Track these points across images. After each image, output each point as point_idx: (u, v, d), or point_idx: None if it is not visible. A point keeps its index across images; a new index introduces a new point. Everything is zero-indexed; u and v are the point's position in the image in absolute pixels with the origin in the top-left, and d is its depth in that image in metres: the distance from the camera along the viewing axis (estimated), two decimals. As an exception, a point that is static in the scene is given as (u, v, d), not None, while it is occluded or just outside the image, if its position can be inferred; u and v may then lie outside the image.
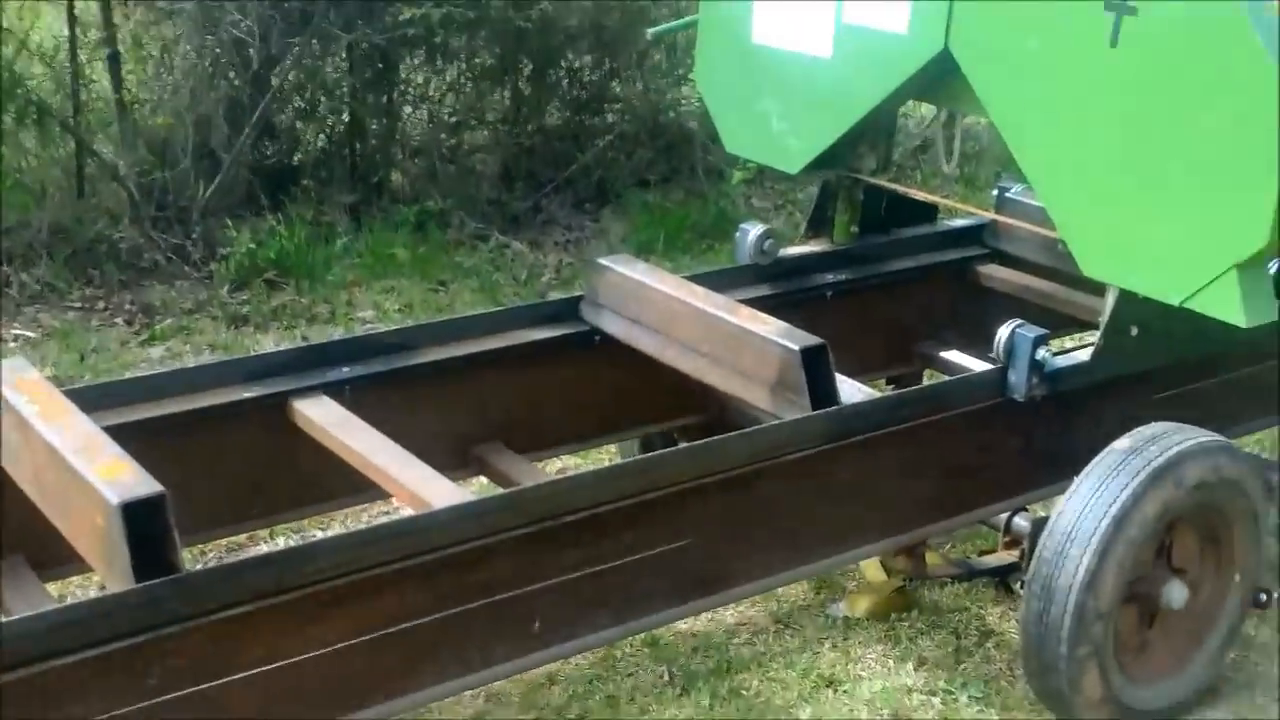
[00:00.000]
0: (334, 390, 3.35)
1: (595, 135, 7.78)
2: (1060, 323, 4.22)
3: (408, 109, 7.38)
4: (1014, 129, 3.55)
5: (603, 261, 3.79)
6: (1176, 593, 3.51)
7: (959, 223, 4.52)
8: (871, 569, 4.07)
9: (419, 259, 6.48)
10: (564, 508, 2.86)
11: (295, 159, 7.01)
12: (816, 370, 3.23)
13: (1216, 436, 3.51)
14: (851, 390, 3.38)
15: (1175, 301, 3.32)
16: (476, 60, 7.47)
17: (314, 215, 6.50)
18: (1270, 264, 3.66)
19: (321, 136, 7.19)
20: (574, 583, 2.92)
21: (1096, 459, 3.40)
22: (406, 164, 7.24)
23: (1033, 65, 3.44)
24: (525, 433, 3.75)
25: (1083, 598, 3.28)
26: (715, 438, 3.10)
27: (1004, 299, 4.30)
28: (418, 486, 2.98)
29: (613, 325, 3.71)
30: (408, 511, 3.13)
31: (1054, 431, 3.64)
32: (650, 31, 4.73)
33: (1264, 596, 3.71)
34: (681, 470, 3.00)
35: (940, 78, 3.68)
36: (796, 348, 3.24)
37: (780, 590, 4.00)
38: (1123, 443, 3.42)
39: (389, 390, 3.46)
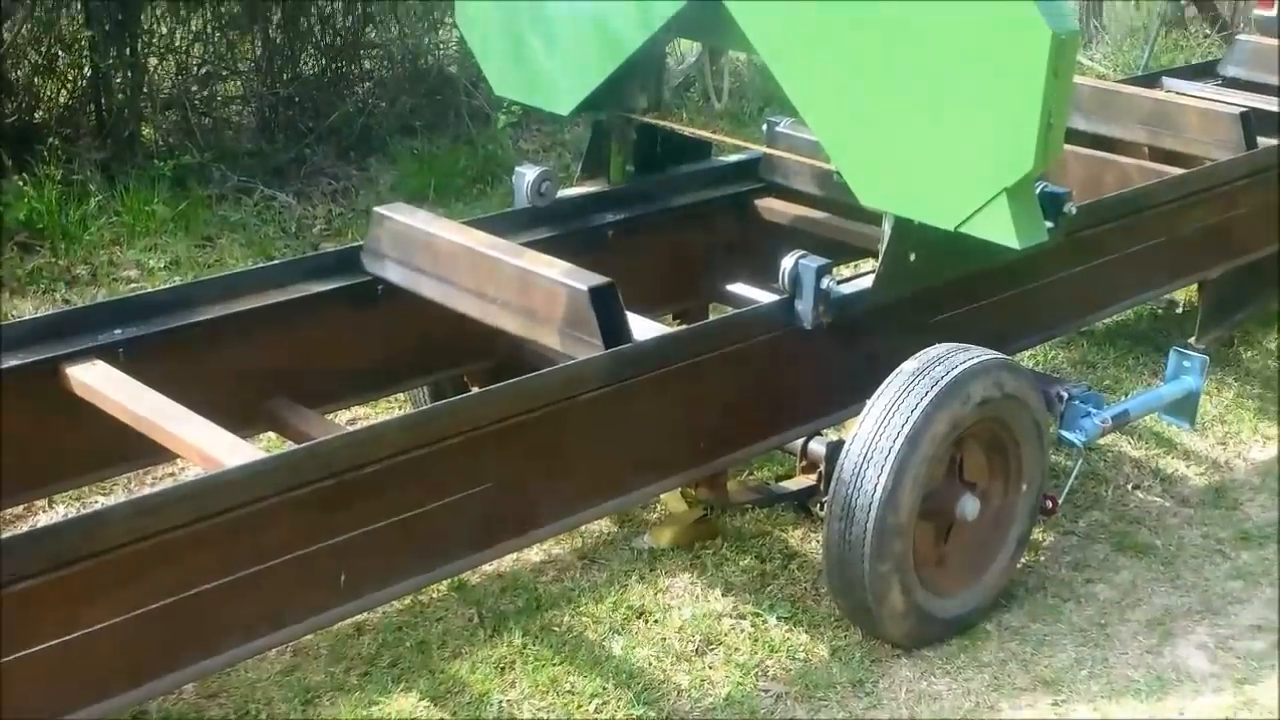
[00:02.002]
0: (107, 353, 3.21)
1: (354, 83, 7.58)
2: (837, 252, 4.26)
3: (154, 61, 7.05)
4: (783, 64, 3.58)
5: (381, 211, 3.70)
6: (969, 505, 3.64)
7: (734, 158, 4.55)
8: (674, 500, 4.10)
9: (181, 215, 6.21)
10: (361, 459, 2.80)
11: (36, 116, 6.63)
12: (606, 309, 3.21)
13: (997, 354, 3.63)
14: (642, 327, 3.38)
15: (951, 227, 3.42)
16: (222, 8, 7.18)
17: (63, 174, 6.17)
18: (1038, 187, 3.81)
19: (64, 92, 6.82)
20: (376, 533, 2.87)
21: (886, 381, 3.48)
22: (158, 118, 6.93)
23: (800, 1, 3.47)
24: (314, 386, 3.65)
25: (882, 515, 3.38)
26: (509, 381, 3.06)
27: (783, 231, 4.35)
28: (207, 446, 2.88)
29: (396, 274, 3.63)
30: (197, 473, 3.01)
31: (843, 357, 3.72)
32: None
33: (1049, 503, 3.87)
34: (477, 415, 2.97)
35: (707, 14, 3.68)
36: (584, 287, 3.21)
37: (584, 527, 4.00)
38: (910, 364, 3.51)
39: (166, 350, 3.33)
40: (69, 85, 6.82)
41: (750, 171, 4.52)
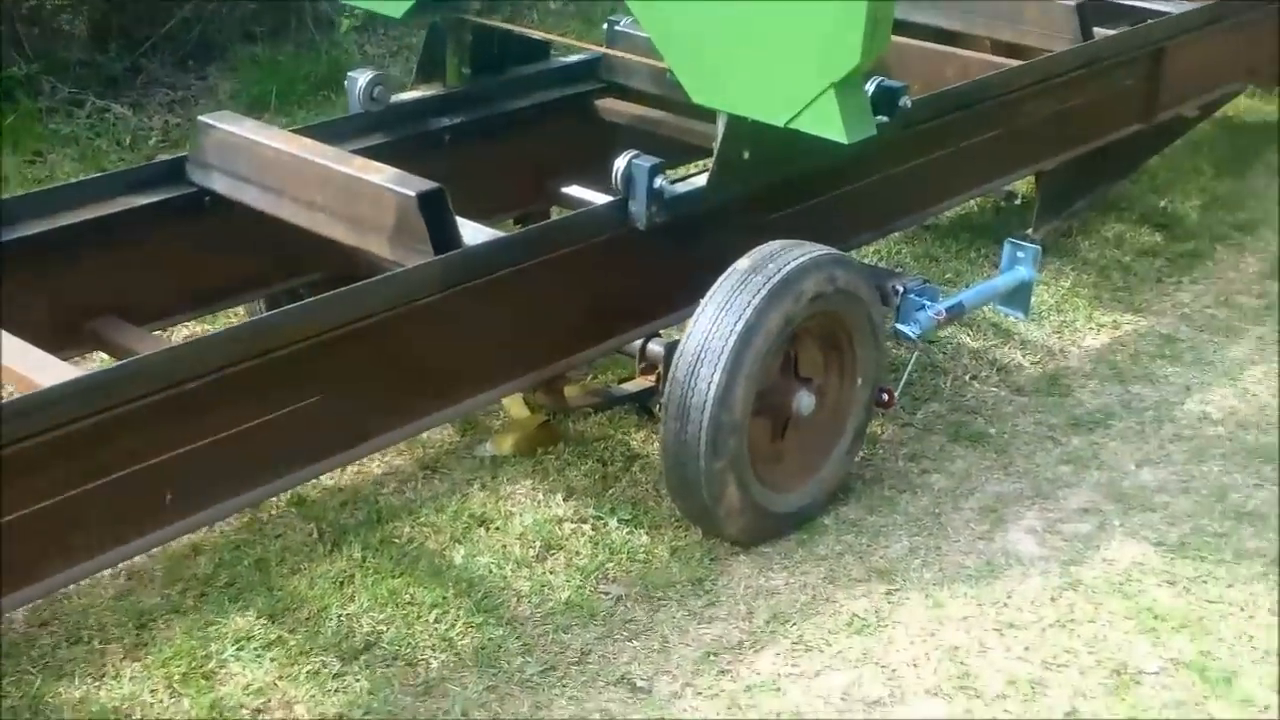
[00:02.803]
0: (-85, 275, 3.10)
1: (190, -12, 7.36)
2: (680, 151, 4.25)
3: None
4: (613, -41, 3.55)
5: (206, 119, 3.61)
6: (805, 401, 3.70)
7: (573, 58, 4.50)
8: (515, 406, 4.09)
9: (9, 129, 6.02)
10: (185, 374, 2.76)
11: None
12: (435, 215, 3.18)
13: (830, 250, 3.66)
14: (474, 233, 3.34)
15: (780, 123, 3.43)
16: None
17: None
18: (868, 83, 3.83)
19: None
20: (205, 449, 2.83)
21: (720, 280, 3.50)
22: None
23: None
24: (144, 303, 3.57)
25: (716, 413, 3.41)
26: (334, 291, 3.02)
27: (624, 131, 4.33)
28: (23, 367, 2.80)
29: (222, 185, 3.55)
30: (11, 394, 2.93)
31: (680, 257, 3.71)
32: None
33: (886, 396, 3.93)
34: (302, 327, 2.93)
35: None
36: (413, 193, 3.17)
37: (425, 436, 3.98)
38: (743, 262, 3.53)
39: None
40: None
41: (591, 72, 4.48)
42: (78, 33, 6.91)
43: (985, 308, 4.62)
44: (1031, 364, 4.84)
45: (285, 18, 7.40)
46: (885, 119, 4.00)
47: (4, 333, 2.89)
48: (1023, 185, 5.81)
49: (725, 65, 3.46)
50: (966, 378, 4.69)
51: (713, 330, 3.43)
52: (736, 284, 3.47)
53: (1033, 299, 4.52)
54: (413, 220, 3.17)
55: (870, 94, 3.97)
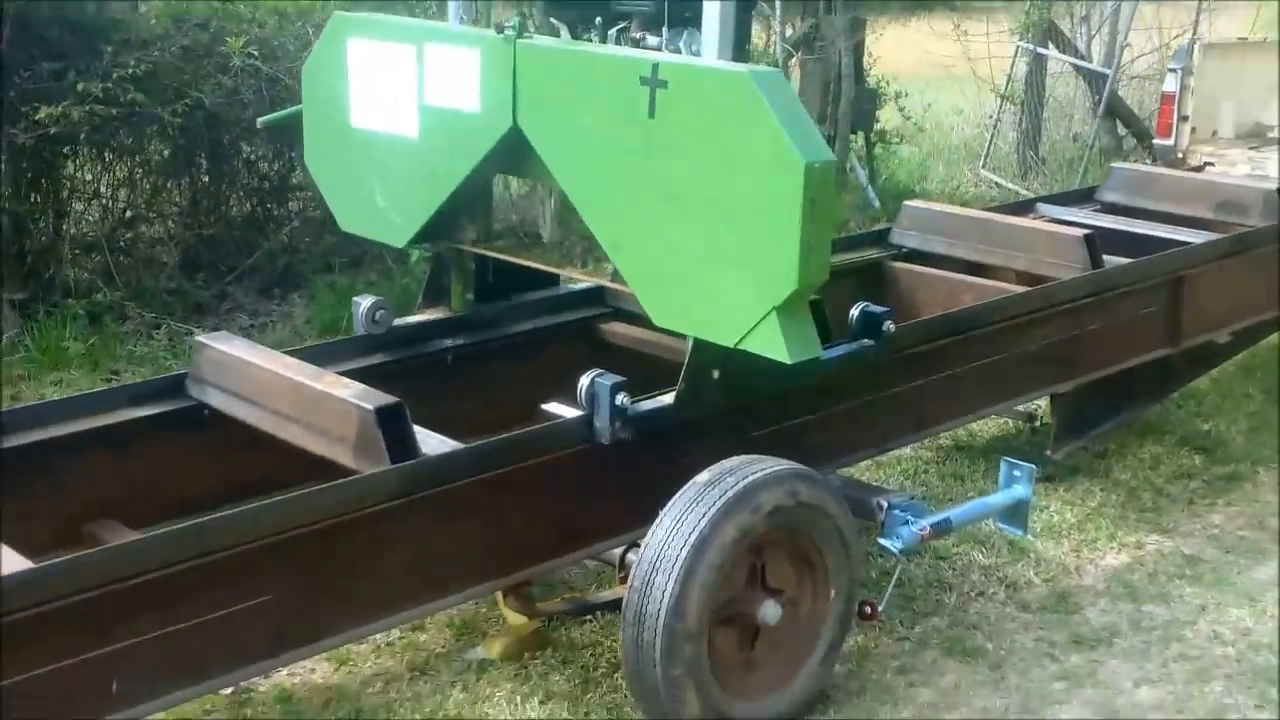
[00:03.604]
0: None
1: (279, 224, 7.85)
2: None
3: (79, 206, 7.34)
4: (580, 196, 3.82)
5: (203, 339, 3.90)
6: (770, 612, 3.76)
7: (580, 285, 4.73)
8: (511, 613, 4.21)
9: (91, 351, 6.45)
10: (135, 570, 2.94)
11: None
12: (393, 427, 3.37)
13: (794, 465, 3.77)
14: (437, 445, 3.53)
15: (731, 344, 3.60)
16: (151, 155, 7.47)
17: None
18: (858, 307, 4.02)
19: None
20: (151, 644, 2.99)
21: (680, 491, 3.63)
22: (81, 259, 7.19)
23: (590, 136, 3.72)
24: (142, 509, 3.79)
25: (670, 621, 3.50)
26: (289, 494, 3.21)
27: (625, 353, 4.51)
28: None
29: (217, 399, 3.81)
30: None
31: (653, 471, 3.84)
32: (260, 121, 4.87)
33: (869, 609, 3.97)
34: (253, 528, 3.11)
35: (515, 152, 3.92)
36: (371, 407, 3.38)
37: (420, 638, 4.13)
38: (703, 476, 3.66)
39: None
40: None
41: (597, 298, 4.71)
42: (170, 263, 7.40)
43: (991, 524, 4.66)
44: (1043, 581, 4.85)
45: (365, 250, 7.86)
46: (870, 343, 4.18)
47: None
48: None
49: (682, 290, 3.66)
50: (972, 594, 4.71)
51: (669, 540, 3.54)
52: (694, 496, 3.60)
53: (1031, 516, 4.56)
54: (371, 432, 3.37)
55: (855, 318, 4.19)
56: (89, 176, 7.39)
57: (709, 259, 3.56)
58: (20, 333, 6.45)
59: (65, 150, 7.03)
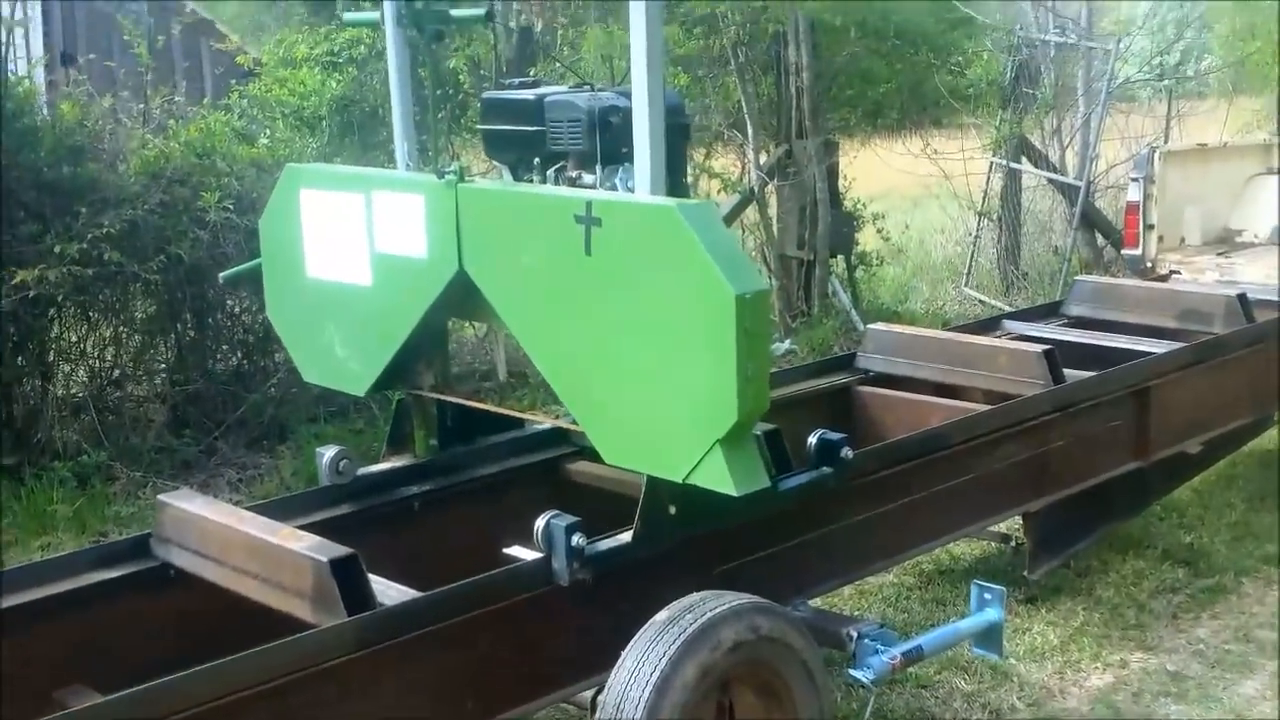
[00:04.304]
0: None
1: (266, 375, 7.94)
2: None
3: (66, 367, 7.44)
4: (527, 336, 3.89)
5: (164, 498, 3.95)
6: (741, 749, 3.75)
7: (545, 425, 4.76)
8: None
9: (78, 513, 6.50)
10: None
11: (-55, 428, 7.00)
12: (348, 578, 3.41)
13: (753, 598, 3.78)
14: (397, 594, 3.56)
15: (679, 479, 3.64)
16: (135, 313, 7.60)
17: (-39, 480, 6.49)
18: (812, 436, 4.04)
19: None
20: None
21: (640, 632, 3.64)
22: (69, 421, 7.27)
23: (532, 278, 3.80)
24: (112, 672, 3.77)
25: (636, 763, 3.48)
26: (247, 651, 3.23)
27: (590, 492, 4.55)
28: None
29: (180, 558, 3.85)
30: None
31: (616, 610, 3.85)
32: (222, 276, 4.96)
33: (840, 740, 3.97)
34: (210, 688, 3.13)
35: (463, 296, 4.00)
36: (325, 559, 3.42)
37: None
38: (662, 615, 3.67)
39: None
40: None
41: (561, 437, 4.75)
42: (156, 420, 7.47)
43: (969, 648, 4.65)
44: (1026, 706, 4.83)
45: (349, 398, 7.92)
46: (828, 470, 4.21)
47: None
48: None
49: (629, 426, 3.71)
50: (952, 721, 4.70)
51: (630, 682, 3.54)
52: (654, 635, 3.61)
53: (1014, 638, 4.57)
54: (326, 585, 3.41)
55: (813, 446, 4.22)
56: (74, 337, 7.50)
57: (651, 394, 3.61)
58: (8, 497, 6.50)
59: (49, 313, 7.14)
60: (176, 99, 8.84)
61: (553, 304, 3.75)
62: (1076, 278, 7.33)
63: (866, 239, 11.31)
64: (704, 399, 3.49)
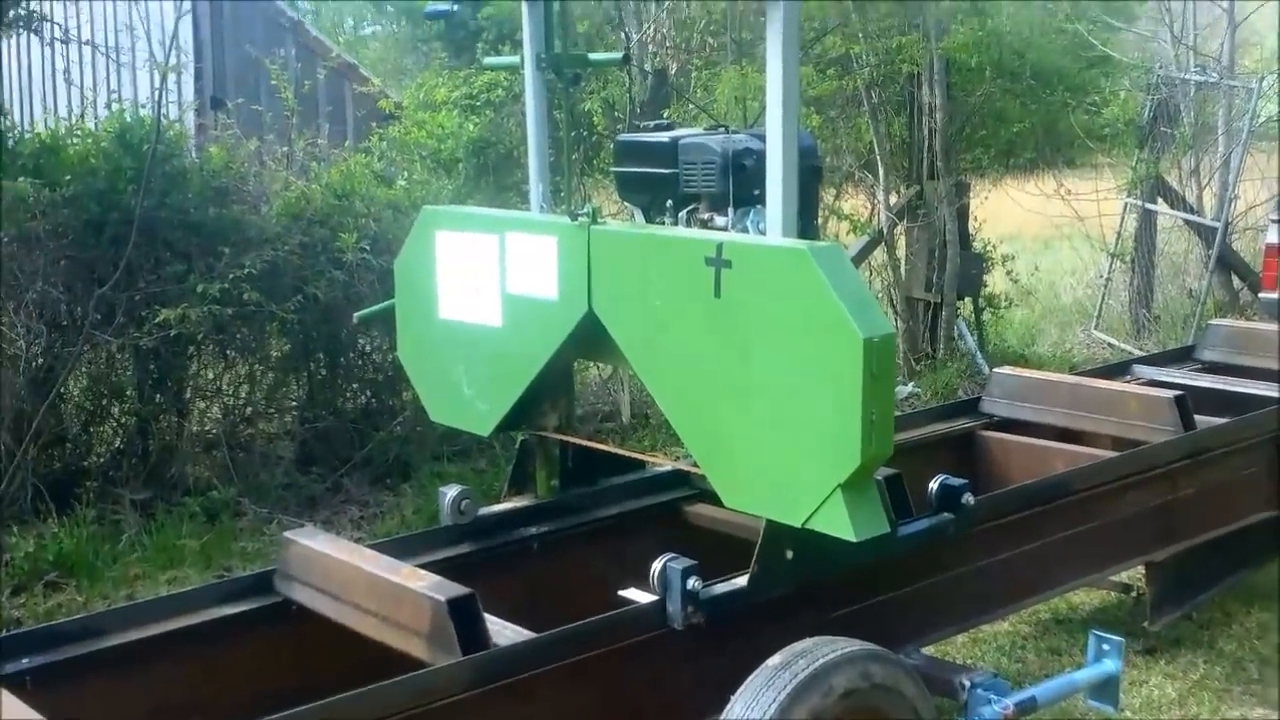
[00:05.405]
0: (14, 683, 3.47)
1: (392, 414, 8.07)
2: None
3: (202, 404, 7.64)
4: (652, 378, 3.90)
5: (289, 535, 4.03)
6: (851, 797, 3.71)
7: (665, 467, 4.80)
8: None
9: (205, 548, 6.65)
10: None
11: (87, 462, 7.20)
12: (464, 618, 3.44)
13: (867, 645, 3.75)
14: (513, 635, 3.59)
15: (798, 524, 3.63)
16: (270, 351, 7.78)
17: (102, 514, 6.66)
18: (933, 482, 4.03)
19: (117, 438, 7.40)
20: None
21: (751, 676, 3.62)
22: (201, 457, 7.45)
23: (660, 320, 3.82)
24: (233, 708, 3.86)
25: (747, 810, 3.47)
26: (362, 689, 3.28)
27: (709, 535, 4.55)
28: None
29: (302, 595, 3.92)
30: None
31: (729, 655, 3.83)
32: (356, 315, 5.06)
33: (962, 797, 3.91)
34: (327, 723, 3.18)
35: (591, 337, 4.04)
36: (443, 599, 3.46)
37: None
38: (775, 659, 3.66)
39: (71, 679, 3.59)
40: (121, 431, 7.40)
41: (682, 480, 4.76)
42: (285, 458, 7.63)
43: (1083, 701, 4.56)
44: (1146, 762, 4.72)
45: (472, 438, 8.01)
46: (949, 516, 4.17)
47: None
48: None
49: (749, 470, 3.71)
50: (1071, 779, 4.60)
51: (742, 727, 3.55)
52: (765, 680, 3.59)
53: (1130, 691, 4.47)
54: (443, 624, 3.45)
55: (934, 492, 4.19)
56: (211, 374, 7.70)
57: (774, 437, 3.61)
58: (139, 531, 6.68)
59: (189, 350, 7.35)
60: (319, 142, 9.09)
61: (679, 345, 3.77)
62: (1210, 321, 7.17)
63: (995, 281, 11.19)
64: (827, 443, 3.48)
